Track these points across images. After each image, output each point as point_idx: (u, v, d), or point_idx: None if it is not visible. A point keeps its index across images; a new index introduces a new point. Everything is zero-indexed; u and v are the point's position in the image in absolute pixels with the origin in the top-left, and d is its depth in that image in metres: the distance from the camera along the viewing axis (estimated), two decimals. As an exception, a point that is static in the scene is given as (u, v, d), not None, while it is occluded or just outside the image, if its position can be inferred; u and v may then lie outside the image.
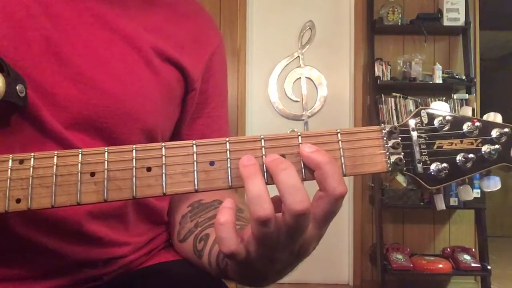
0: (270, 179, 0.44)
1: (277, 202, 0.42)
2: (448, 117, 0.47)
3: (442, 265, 2.77)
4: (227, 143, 0.45)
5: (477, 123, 0.47)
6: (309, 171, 0.44)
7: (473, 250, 2.90)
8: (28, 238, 0.54)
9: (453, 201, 2.67)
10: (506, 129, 0.47)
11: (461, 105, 3.01)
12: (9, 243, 0.54)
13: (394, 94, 3.09)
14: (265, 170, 0.44)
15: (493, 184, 0.48)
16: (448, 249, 2.89)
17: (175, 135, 0.72)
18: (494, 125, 0.47)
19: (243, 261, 0.44)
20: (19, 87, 0.50)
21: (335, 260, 3.17)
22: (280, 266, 0.47)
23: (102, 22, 0.60)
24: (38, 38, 0.55)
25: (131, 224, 0.65)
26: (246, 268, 0.47)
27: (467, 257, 2.79)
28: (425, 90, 3.15)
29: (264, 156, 0.45)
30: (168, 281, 0.62)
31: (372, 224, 3.12)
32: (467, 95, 3.02)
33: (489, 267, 2.75)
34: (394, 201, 2.86)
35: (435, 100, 3.03)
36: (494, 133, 0.47)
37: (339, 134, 0.46)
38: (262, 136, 0.46)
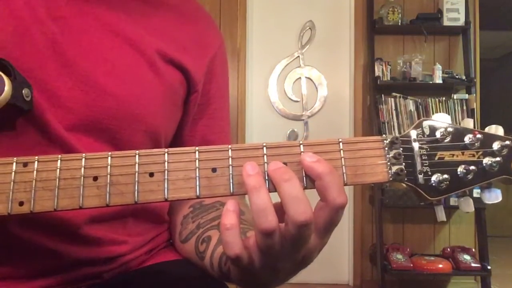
0: (272, 187, 0.44)
1: (279, 210, 0.42)
2: (449, 129, 0.47)
3: (442, 265, 2.77)
4: (230, 150, 0.45)
5: (479, 135, 0.47)
6: (310, 180, 0.44)
7: (473, 250, 2.89)
8: (27, 238, 0.55)
9: (453, 201, 2.67)
10: (507, 142, 0.47)
11: (461, 105, 3.01)
12: (8, 242, 0.55)
13: (394, 94, 3.09)
14: (266, 177, 0.44)
15: (494, 196, 0.48)
16: (448, 249, 2.89)
17: (178, 137, 0.72)
18: (495, 137, 0.47)
19: (246, 267, 0.45)
20: (25, 91, 0.51)
21: (335, 260, 3.16)
22: (283, 275, 0.47)
23: (106, 26, 0.61)
24: (44, 41, 0.56)
25: (130, 224, 0.65)
26: (249, 275, 0.47)
27: (467, 257, 2.79)
28: (425, 90, 3.14)
29: (266, 164, 0.45)
30: (168, 281, 0.63)
31: (372, 224, 3.12)
32: (467, 95, 3.02)
33: (489, 267, 2.75)
34: (394, 201, 2.85)
35: (435, 100, 3.04)
36: (496, 145, 0.47)
37: (340, 144, 0.46)
38: (264, 144, 0.46)
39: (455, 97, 3.03)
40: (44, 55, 0.55)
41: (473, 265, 2.75)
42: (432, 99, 3.06)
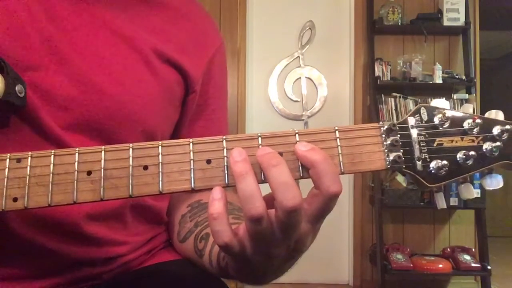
0: (261, 177, 0.43)
1: (271, 199, 0.42)
2: (448, 114, 0.46)
3: (442, 265, 2.77)
4: (224, 141, 0.45)
5: (478, 120, 0.46)
6: (306, 169, 0.44)
7: (473, 250, 2.89)
8: (27, 238, 0.55)
9: (453, 201, 2.67)
10: (507, 126, 0.46)
11: (461, 105, 2.99)
12: (8, 242, 0.55)
13: (394, 94, 3.09)
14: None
15: (496, 182, 0.47)
16: (448, 249, 2.89)
17: (175, 137, 0.71)
18: (495, 122, 0.46)
19: (239, 256, 0.44)
20: (18, 88, 0.51)
21: (335, 260, 3.17)
22: (278, 262, 0.47)
23: (103, 23, 0.60)
24: (39, 39, 0.55)
25: (129, 224, 0.65)
26: (244, 265, 0.47)
27: (467, 257, 2.79)
28: (425, 90, 3.15)
29: None
30: (168, 281, 0.63)
31: (372, 224, 3.11)
32: (467, 95, 3.02)
33: (489, 267, 2.75)
34: (394, 201, 2.85)
35: (435, 100, 3.04)
36: (496, 130, 0.46)
37: (337, 132, 0.46)
38: (259, 134, 0.45)
39: (455, 97, 3.03)
40: (40, 53, 0.55)
41: (473, 265, 2.75)
42: (432, 99, 3.04)
